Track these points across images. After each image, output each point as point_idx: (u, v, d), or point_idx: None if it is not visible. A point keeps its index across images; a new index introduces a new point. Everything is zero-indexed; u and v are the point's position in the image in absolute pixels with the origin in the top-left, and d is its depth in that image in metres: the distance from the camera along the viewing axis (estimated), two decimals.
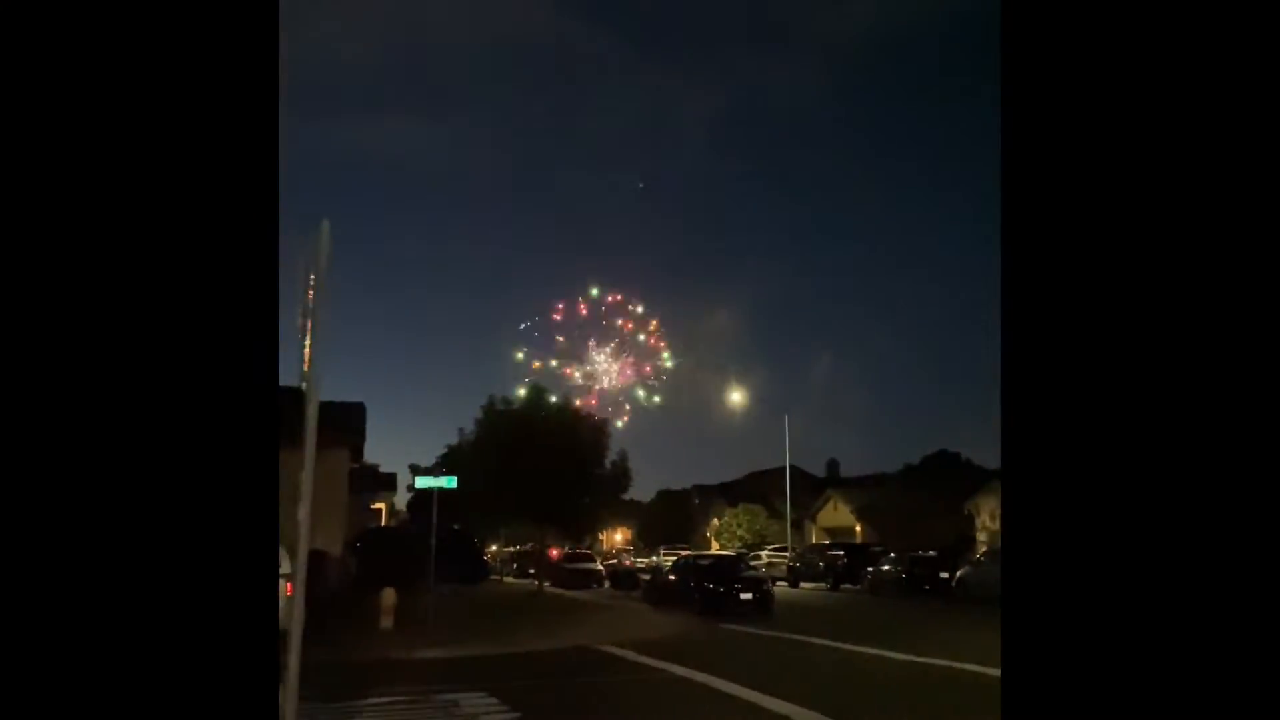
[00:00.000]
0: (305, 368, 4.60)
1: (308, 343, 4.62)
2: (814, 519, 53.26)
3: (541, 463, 24.03)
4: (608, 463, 27.32)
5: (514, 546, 46.76)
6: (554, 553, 35.11)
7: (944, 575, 25.52)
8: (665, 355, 41.00)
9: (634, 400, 35.38)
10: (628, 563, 42.02)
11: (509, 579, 41.16)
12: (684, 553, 33.92)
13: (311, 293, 4.64)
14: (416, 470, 32.44)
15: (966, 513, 41.89)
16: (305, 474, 4.21)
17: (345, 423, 23.18)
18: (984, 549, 32.01)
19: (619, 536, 66.57)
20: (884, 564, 28.57)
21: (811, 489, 54.42)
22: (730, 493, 61.00)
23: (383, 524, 40.23)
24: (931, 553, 28.33)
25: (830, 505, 53.03)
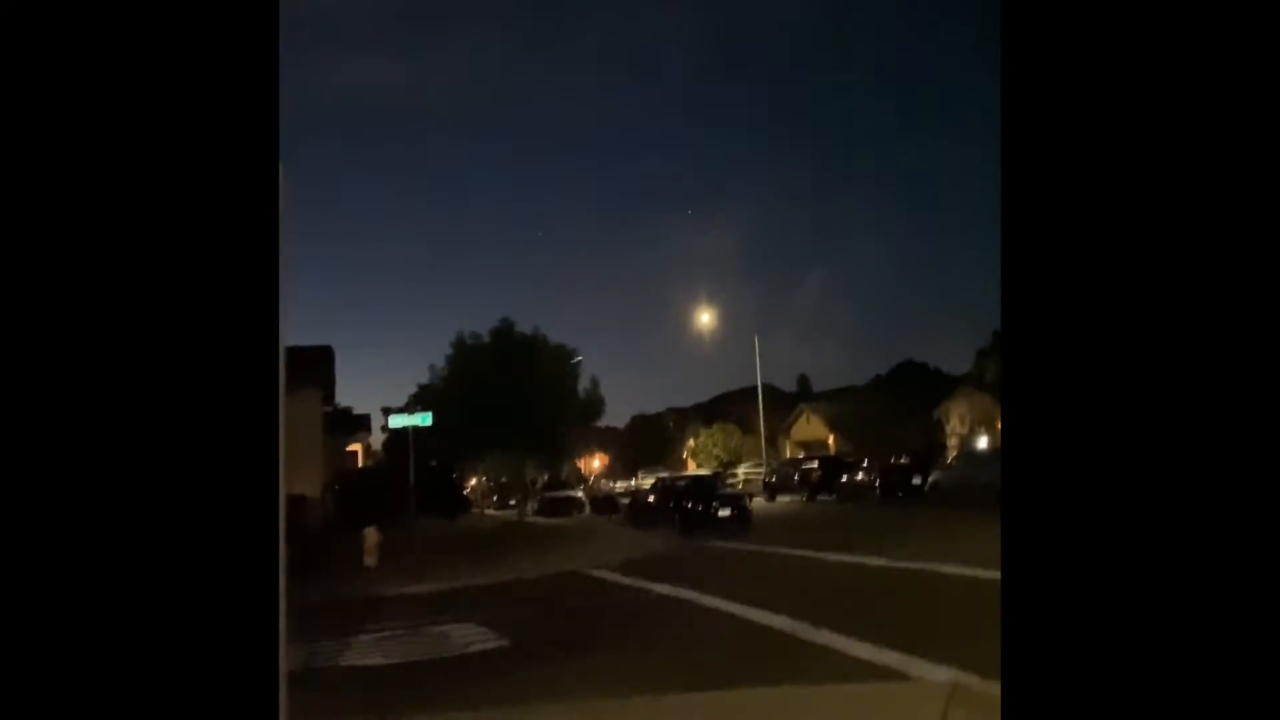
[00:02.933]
0: None
1: None
2: (788, 434, 54.03)
3: (514, 395, 24.09)
4: (580, 391, 27.45)
5: (492, 479, 47.12)
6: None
7: (916, 481, 26.08)
8: None
9: None
10: (607, 487, 42.53)
11: (490, 511, 41.56)
12: (662, 475, 34.37)
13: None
14: (389, 411, 32.48)
15: (936, 419, 42.69)
16: (279, 420, 4.18)
17: (314, 367, 23.01)
18: (954, 453, 32.71)
19: (596, 463, 67.20)
20: (858, 473, 29.14)
21: (784, 405, 55.08)
22: (704, 413, 61.62)
23: (360, 465, 40.33)
24: (904, 459, 28.89)
25: (803, 419, 53.78)
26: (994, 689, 1.82)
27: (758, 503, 27.91)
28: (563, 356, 27.51)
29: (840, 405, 48.80)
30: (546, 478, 38.11)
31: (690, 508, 21.28)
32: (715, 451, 52.25)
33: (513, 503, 33.48)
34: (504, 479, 42.05)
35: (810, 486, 31.61)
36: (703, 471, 38.98)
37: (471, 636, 8.65)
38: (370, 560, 15.22)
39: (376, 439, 46.87)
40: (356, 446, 42.41)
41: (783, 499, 32.78)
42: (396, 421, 20.03)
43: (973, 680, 4.29)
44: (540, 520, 29.88)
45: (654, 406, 65.81)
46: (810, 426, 52.53)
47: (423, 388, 29.18)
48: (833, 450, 43.62)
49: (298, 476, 15.40)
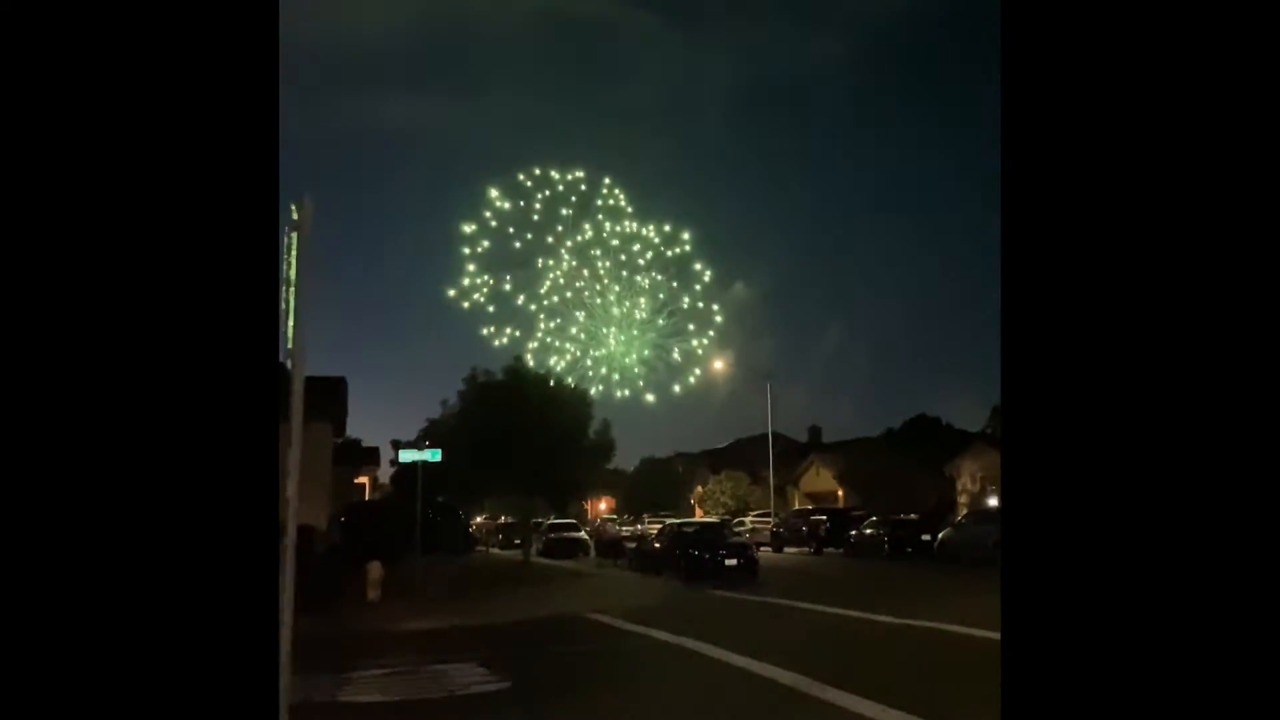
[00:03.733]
0: (289, 344, 4.57)
1: (291, 318, 4.59)
2: (797, 484, 53.69)
3: (524, 433, 24.05)
4: (591, 432, 27.37)
5: (500, 519, 46.89)
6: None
7: (925, 537, 25.82)
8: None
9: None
10: (613, 530, 42.24)
11: (495, 550, 41.30)
12: (669, 520, 34.15)
13: (293, 268, 4.60)
14: (399, 445, 32.44)
15: (947, 475, 42.34)
16: (293, 450, 4.20)
17: (327, 398, 23.08)
18: (965, 511, 32.41)
19: (604, 505, 66.84)
20: (866, 528, 28.87)
21: (794, 455, 54.81)
22: (714, 460, 61.32)
23: (367, 498, 40.22)
24: (913, 515, 28.63)
25: (813, 470, 53.44)
26: None
27: (764, 553, 27.65)
28: (574, 396, 27.50)
29: (850, 457, 48.49)
30: (553, 518, 37.93)
31: (696, 555, 21.09)
32: (723, 499, 51.90)
33: (518, 542, 33.27)
34: (510, 519, 41.86)
35: (818, 539, 31.33)
36: (710, 519, 38.70)
37: (471, 677, 8.56)
38: (373, 594, 15.13)
39: (385, 472, 46.84)
40: (364, 479, 42.36)
41: (789, 550, 32.48)
42: (406, 456, 20.00)
43: None
44: (545, 561, 29.68)
45: (663, 451, 65.50)
46: (820, 478, 52.20)
47: (433, 422, 29.19)
48: (841, 503, 43.27)
49: (305, 506, 15.37)
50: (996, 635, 8.30)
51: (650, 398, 31.61)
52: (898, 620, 11.82)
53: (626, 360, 31.76)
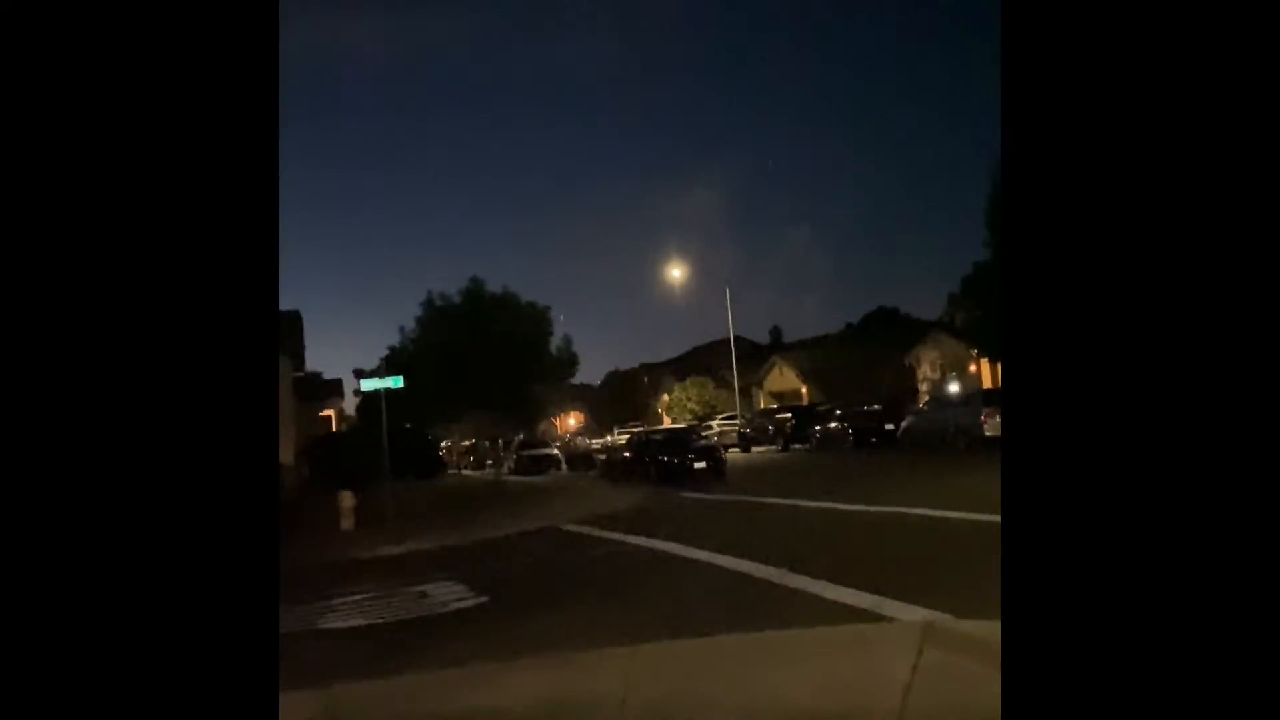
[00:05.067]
0: None
1: None
2: (761, 385, 54.36)
3: (486, 354, 23.97)
4: (553, 348, 27.35)
5: (468, 440, 47.08)
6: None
7: (889, 427, 26.37)
8: None
9: None
10: (583, 444, 42.66)
11: (466, 471, 41.58)
12: (637, 430, 34.48)
13: None
14: (361, 374, 32.17)
15: (908, 365, 43.05)
16: None
17: (283, 332, 22.75)
18: (925, 398, 33.08)
19: (572, 420, 67.35)
20: (830, 422, 29.41)
21: (757, 357, 55.35)
22: (678, 368, 61.79)
23: (333, 430, 40.12)
24: (875, 406, 29.16)
25: (776, 370, 54.07)
26: (967, 627, 1.83)
27: (733, 454, 28.11)
28: (534, 314, 27.37)
29: (812, 355, 49.08)
30: (522, 436, 38.16)
31: (665, 461, 21.42)
32: (690, 405, 52.50)
33: (489, 462, 33.52)
34: (479, 439, 42.04)
35: (784, 436, 31.90)
36: (677, 425, 39.19)
37: (450, 595, 8.68)
38: (346, 524, 15.20)
39: (351, 404, 46.67)
40: (330, 412, 42.18)
41: (757, 450, 33.06)
42: (368, 385, 19.86)
43: (946, 620, 4.35)
44: (517, 479, 29.96)
45: (628, 363, 65.91)
46: (783, 377, 52.85)
47: (394, 350, 29.00)
48: (806, 400, 44.00)
49: None
50: (961, 515, 8.61)
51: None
52: (863, 508, 12.12)
53: None
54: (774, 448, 32.24)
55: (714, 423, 40.79)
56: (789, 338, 60.96)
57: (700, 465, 21.06)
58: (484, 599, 8.35)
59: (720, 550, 9.41)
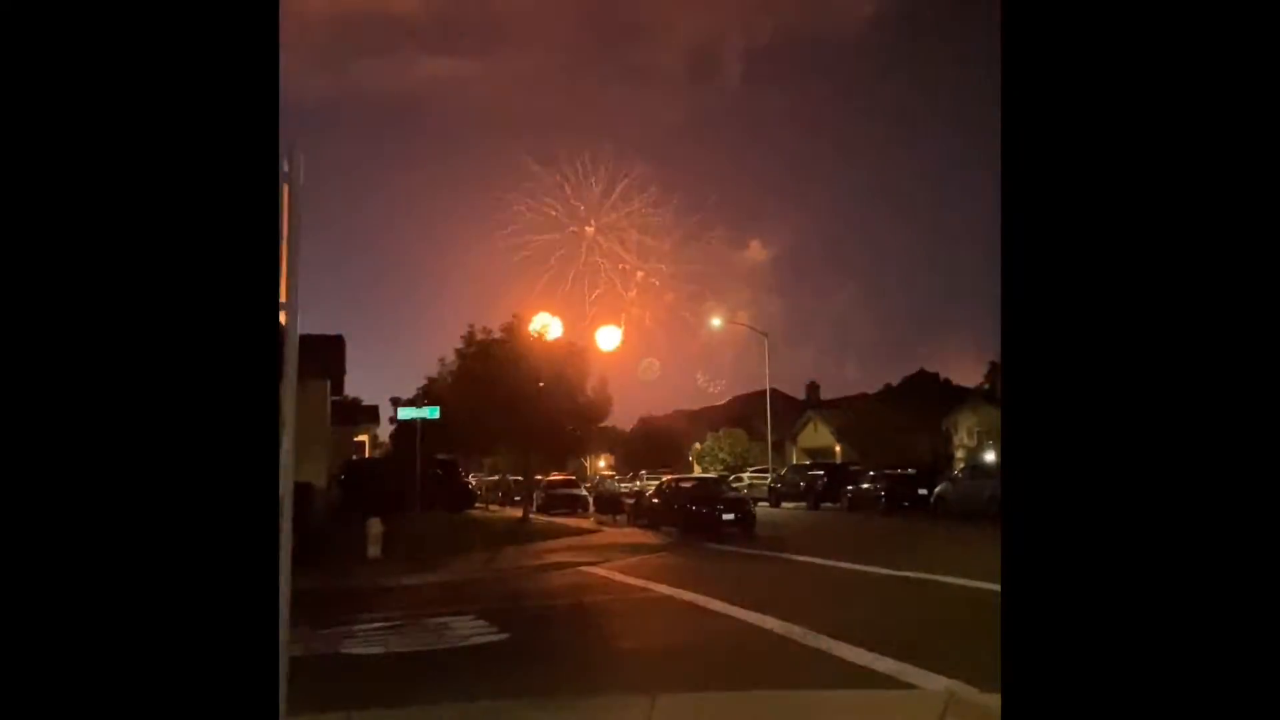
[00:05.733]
0: (282, 298, 4.55)
1: (283, 273, 4.57)
2: (795, 440, 53.95)
3: (523, 391, 24.11)
4: (589, 389, 27.43)
5: (497, 475, 47.16)
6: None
7: (922, 492, 25.99)
8: None
9: None
10: (612, 487, 42.49)
11: (494, 506, 41.60)
12: (667, 476, 34.32)
13: (285, 222, 4.58)
14: (398, 402, 32.42)
15: (944, 430, 42.54)
16: (287, 406, 4.20)
17: (324, 356, 23.09)
18: (961, 465, 32.59)
19: (602, 463, 67.21)
20: (863, 482, 29.05)
21: (793, 411, 55.01)
22: (713, 418, 61.55)
23: (367, 456, 40.42)
24: (910, 470, 28.79)
25: (810, 426, 53.67)
26: (988, 699, 1.83)
27: (762, 508, 27.85)
28: (572, 355, 27.52)
29: (848, 414, 48.66)
30: (552, 475, 38.13)
31: (694, 510, 21.25)
32: (721, 456, 52.18)
33: (517, 498, 33.49)
34: (509, 474, 42.11)
35: (815, 494, 31.55)
36: (708, 475, 38.95)
37: (471, 629, 8.68)
38: (374, 550, 15.27)
39: (385, 430, 47.02)
40: (364, 436, 42.54)
41: (787, 505, 32.71)
42: (405, 414, 20.11)
43: (969, 691, 4.29)
44: (544, 517, 29.91)
45: (662, 409, 65.74)
46: (818, 434, 52.44)
47: (431, 380, 29.23)
48: (839, 458, 43.54)
49: (304, 465, 15.47)
50: (990, 586, 8.38)
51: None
52: (893, 572, 11.95)
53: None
54: (804, 505, 31.88)
55: (745, 475, 40.48)
56: (826, 395, 60.61)
57: (729, 517, 20.87)
58: (505, 635, 8.33)
59: (744, 605, 9.32)
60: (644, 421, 62.98)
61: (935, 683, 5.61)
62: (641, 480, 45.02)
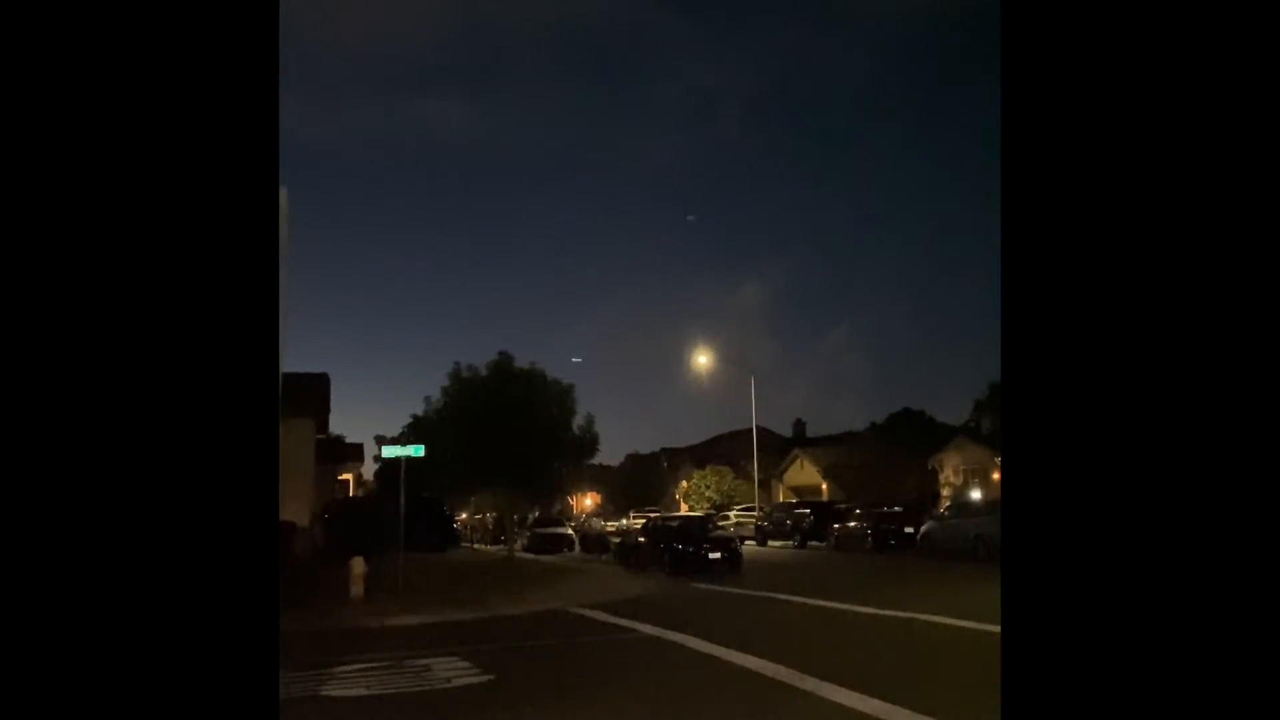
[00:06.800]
0: None
1: None
2: (781, 478, 53.84)
3: (509, 429, 24.03)
4: (575, 427, 27.36)
5: (482, 514, 46.86)
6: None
7: (909, 530, 25.96)
8: None
9: None
10: (598, 526, 42.23)
11: (479, 545, 41.24)
12: (653, 515, 34.13)
13: None
14: (382, 441, 32.20)
15: (931, 468, 42.55)
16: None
17: (309, 394, 22.98)
18: (947, 504, 32.57)
19: (588, 501, 66.85)
20: (850, 521, 28.99)
21: (779, 449, 54.96)
22: (698, 455, 61.42)
23: (350, 495, 40.07)
24: (896, 508, 28.78)
25: (797, 465, 53.59)
26: None
27: (749, 547, 27.73)
28: (559, 392, 27.49)
29: (835, 452, 48.64)
30: (538, 514, 37.89)
31: (680, 549, 21.16)
32: (708, 493, 52.00)
33: (502, 538, 33.24)
34: (495, 514, 41.82)
35: (801, 533, 31.45)
36: (694, 513, 38.80)
37: (454, 671, 8.57)
38: (356, 590, 15.10)
39: (369, 469, 46.67)
40: (348, 475, 42.18)
41: (774, 544, 32.59)
42: (389, 452, 19.92)
43: None
44: (530, 556, 29.66)
45: (648, 446, 65.60)
46: (804, 472, 52.35)
47: (417, 418, 29.09)
48: (825, 496, 43.41)
49: (288, 504, 15.34)
50: (977, 625, 8.45)
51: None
52: (880, 611, 11.91)
53: None
54: (791, 543, 31.77)
55: (731, 513, 40.33)
56: (812, 432, 60.58)
57: (715, 556, 20.78)
58: (489, 677, 8.24)
59: (731, 645, 9.26)
60: (631, 459, 62.78)
61: None
62: (628, 519, 44.79)
